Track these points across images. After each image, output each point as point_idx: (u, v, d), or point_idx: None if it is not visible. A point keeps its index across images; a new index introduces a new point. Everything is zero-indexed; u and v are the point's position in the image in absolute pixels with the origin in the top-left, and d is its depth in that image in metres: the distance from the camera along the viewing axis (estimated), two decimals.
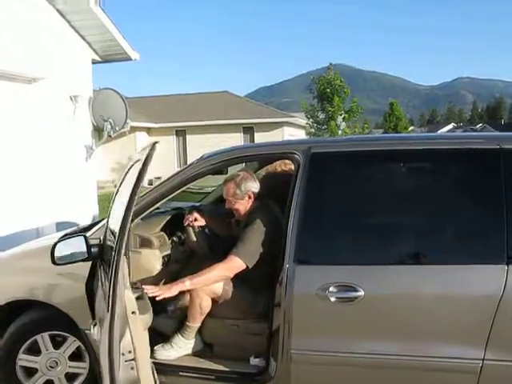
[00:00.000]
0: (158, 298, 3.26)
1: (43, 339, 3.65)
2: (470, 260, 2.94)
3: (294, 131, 27.50)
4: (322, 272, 3.05)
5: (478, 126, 68.26)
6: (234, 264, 3.43)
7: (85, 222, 6.69)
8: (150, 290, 3.23)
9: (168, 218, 4.03)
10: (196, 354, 3.63)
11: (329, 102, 24.08)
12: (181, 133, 26.86)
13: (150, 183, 25.46)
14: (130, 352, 2.40)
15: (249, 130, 26.19)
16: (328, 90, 24.08)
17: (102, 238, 3.32)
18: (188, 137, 26.74)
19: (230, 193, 3.71)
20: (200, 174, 3.46)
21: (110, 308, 2.32)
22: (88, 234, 3.54)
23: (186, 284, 3.39)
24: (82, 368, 3.70)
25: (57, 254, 3.19)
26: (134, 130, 22.00)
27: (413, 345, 2.94)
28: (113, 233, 2.94)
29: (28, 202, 6.56)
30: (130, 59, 7.77)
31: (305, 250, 3.08)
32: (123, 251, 2.42)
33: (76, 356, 3.70)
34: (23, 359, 3.66)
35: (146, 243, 3.68)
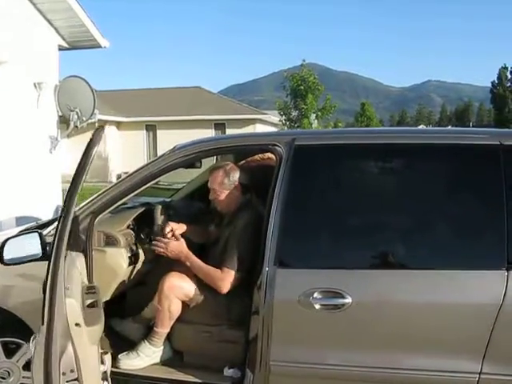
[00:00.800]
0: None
1: None
2: (467, 265, 2.70)
3: (266, 129, 27.29)
4: (305, 276, 2.79)
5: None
6: (230, 278, 3.18)
7: (47, 216, 6.33)
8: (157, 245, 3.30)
9: (136, 214, 3.71)
10: (165, 363, 3.34)
11: (302, 100, 24.01)
12: (151, 127, 26.46)
13: (119, 178, 25.03)
14: (72, 371, 2.07)
15: (220, 126, 25.94)
16: (301, 87, 24.01)
17: None
18: (158, 132, 26.35)
19: (217, 181, 3.43)
20: (172, 166, 3.16)
21: (46, 319, 1.99)
22: (45, 231, 3.21)
23: (188, 258, 3.29)
24: None
25: (6, 253, 2.84)
26: (103, 123, 21.51)
27: (404, 357, 2.69)
28: None
29: None
30: (100, 46, 7.39)
31: (286, 252, 2.81)
32: (63, 249, 2.10)
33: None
34: None
35: (111, 241, 3.35)
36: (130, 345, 3.40)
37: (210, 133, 25.62)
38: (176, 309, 3.22)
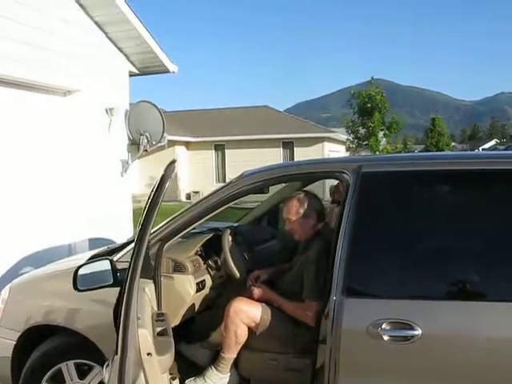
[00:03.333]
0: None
1: (68, 368, 3.42)
2: None
3: (333, 147, 27.15)
4: (373, 306, 2.71)
5: None
6: (314, 309, 3.13)
7: (119, 239, 6.51)
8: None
9: (203, 240, 3.75)
10: None
11: (369, 118, 23.70)
12: (220, 147, 26.82)
13: (188, 197, 25.51)
14: None
15: (288, 144, 25.96)
16: (368, 104, 23.72)
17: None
18: (227, 151, 26.68)
19: (293, 211, 3.42)
20: (240, 194, 3.18)
21: (120, 350, 2.02)
22: (116, 257, 3.30)
23: (273, 300, 3.31)
24: None
25: (80, 278, 2.93)
26: (172, 143, 22.04)
27: None
28: None
29: (62, 217, 6.40)
30: (168, 71, 7.59)
31: (355, 281, 2.75)
32: (137, 280, 2.13)
33: None
34: None
35: (179, 268, 3.40)
36: (197, 370, 3.41)
37: (278, 151, 25.70)
38: (242, 334, 3.21)
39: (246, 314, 3.21)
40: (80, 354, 3.43)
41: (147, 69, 7.50)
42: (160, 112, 7.13)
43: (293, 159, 25.37)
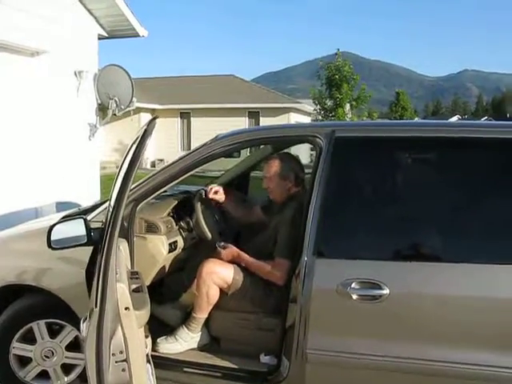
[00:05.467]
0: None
1: (39, 327, 3.41)
2: (501, 259, 2.69)
3: (300, 117, 27.17)
4: (343, 267, 2.81)
5: (482, 119, 67.82)
6: (284, 268, 3.20)
7: (86, 203, 6.45)
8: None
9: (176, 202, 3.77)
10: (202, 348, 3.41)
11: (337, 89, 23.79)
12: (185, 115, 26.59)
13: (153, 165, 25.27)
14: (121, 352, 2.14)
15: (254, 114, 25.88)
16: (337, 76, 23.80)
17: (104, 221, 3.07)
18: (192, 119, 26.46)
19: (272, 170, 3.49)
20: (213, 156, 3.20)
21: (98, 303, 2.05)
22: (89, 216, 3.30)
23: (240, 257, 3.35)
24: (79, 359, 3.46)
25: (53, 237, 2.94)
26: (138, 110, 21.73)
27: (439, 350, 2.69)
28: None
29: (27, 180, 6.30)
30: (138, 35, 7.46)
31: (325, 243, 2.84)
32: (115, 237, 2.15)
33: (73, 346, 3.46)
34: (17, 348, 3.43)
35: (152, 228, 3.42)
36: (167, 330, 3.47)
37: (243, 121, 25.61)
38: (214, 294, 3.27)
39: (218, 275, 3.26)
40: (51, 313, 3.42)
41: (116, 32, 7.36)
42: (129, 76, 7.04)
43: None
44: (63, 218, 3.52)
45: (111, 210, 2.13)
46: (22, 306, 3.46)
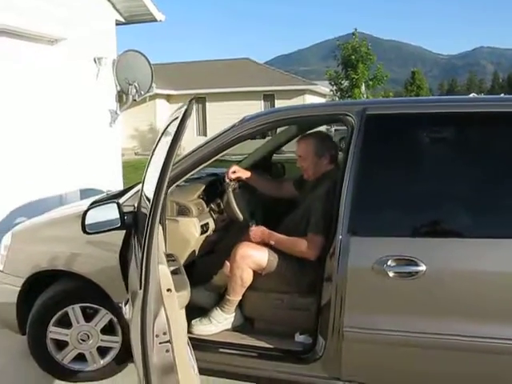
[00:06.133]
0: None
1: (74, 311, 3.46)
2: None
3: (314, 99, 27.00)
4: (379, 244, 2.79)
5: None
6: (318, 243, 3.18)
7: (109, 188, 6.48)
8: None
9: (205, 184, 3.77)
10: (236, 329, 3.41)
11: (353, 69, 23.60)
12: (200, 100, 26.52)
13: None
14: (164, 333, 2.13)
15: (269, 97, 25.77)
16: (353, 56, 23.59)
17: (136, 205, 3.08)
18: (208, 104, 26.41)
19: (309, 149, 3.48)
20: (241, 138, 3.17)
21: (143, 285, 2.06)
22: (121, 200, 3.31)
23: (271, 236, 3.32)
24: (114, 342, 3.51)
25: (88, 222, 2.95)
26: (153, 96, 21.70)
27: (477, 326, 2.67)
28: (148, 200, 2.71)
29: (51, 168, 6.33)
30: (155, 20, 7.41)
31: (360, 221, 2.82)
32: (157, 219, 2.14)
33: (108, 329, 3.50)
34: (53, 332, 3.48)
35: (183, 211, 3.43)
36: (200, 311, 3.48)
37: (259, 104, 25.51)
38: (248, 277, 3.27)
39: (252, 258, 3.26)
40: (85, 297, 3.46)
41: (133, 17, 7.32)
42: (148, 61, 7.01)
43: None
44: (93, 203, 3.53)
45: (154, 192, 2.12)
46: (57, 292, 3.50)
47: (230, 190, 3.57)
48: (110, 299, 3.34)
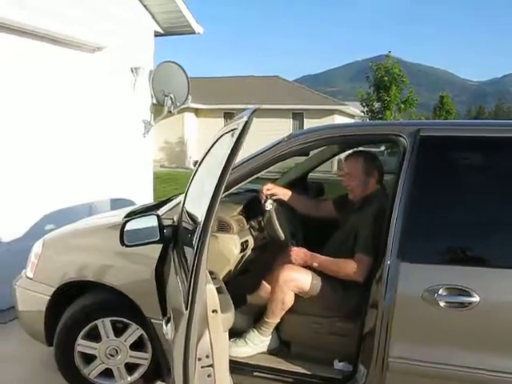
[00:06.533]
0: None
1: (104, 325, 3.35)
2: None
3: (344, 120, 26.93)
4: (430, 272, 2.67)
5: None
6: (365, 264, 3.04)
7: (140, 199, 6.43)
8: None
9: (246, 200, 3.65)
10: (272, 352, 3.28)
11: (386, 91, 23.54)
12: (229, 115, 26.54)
13: (195, 164, 25.30)
14: (207, 357, 2.03)
15: (298, 116, 25.73)
16: (386, 78, 23.53)
17: (176, 218, 2.97)
18: None
19: (356, 167, 3.35)
20: (288, 154, 3.07)
21: (189, 305, 1.94)
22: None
23: (313, 258, 3.18)
24: (143, 359, 3.40)
25: (126, 234, 2.84)
26: (181, 110, 21.77)
27: None
28: (190, 215, 2.60)
29: (82, 176, 6.28)
30: (194, 32, 7.37)
31: (411, 246, 2.69)
32: (208, 238, 2.03)
33: (138, 345, 3.38)
34: (82, 345, 3.38)
35: (224, 227, 3.31)
36: (233, 333, 3.35)
37: (288, 122, 25.50)
38: (289, 300, 3.15)
39: (296, 282, 3.13)
40: (116, 311, 3.36)
41: (172, 29, 7.27)
42: (185, 72, 6.94)
43: None
44: (129, 214, 3.45)
45: (207, 206, 2.00)
46: (88, 304, 3.40)
47: (272, 207, 3.44)
48: (141, 314, 3.23)
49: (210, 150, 2.80)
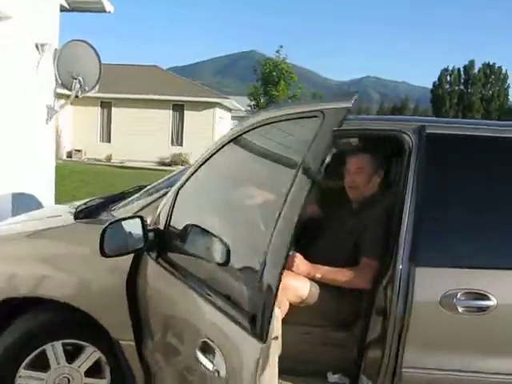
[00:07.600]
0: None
1: (54, 350, 2.80)
2: None
3: (223, 113, 26.92)
4: (448, 276, 2.52)
5: None
6: (373, 269, 2.79)
7: (41, 192, 5.73)
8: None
9: None
10: None
11: (274, 86, 23.97)
12: (106, 104, 25.33)
13: (69, 155, 23.86)
14: None
15: (179, 107, 25.19)
16: (274, 73, 23.95)
17: (164, 222, 2.51)
18: (114, 109, 25.28)
19: (363, 164, 3.07)
20: None
21: (265, 335, 1.58)
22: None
23: (316, 269, 2.87)
24: None
25: (107, 242, 2.34)
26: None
27: None
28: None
29: None
30: (104, 11, 6.67)
31: (424, 249, 2.51)
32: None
33: (93, 371, 2.87)
34: (24, 376, 2.80)
35: None
36: None
37: (168, 113, 24.93)
38: (283, 310, 2.79)
39: (294, 291, 2.81)
40: (71, 332, 2.84)
41: (80, 5, 6.52)
42: (97, 53, 6.20)
43: (182, 123, 24.91)
44: (82, 211, 2.95)
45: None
46: (34, 325, 2.80)
47: None
48: (101, 335, 2.73)
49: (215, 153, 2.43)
